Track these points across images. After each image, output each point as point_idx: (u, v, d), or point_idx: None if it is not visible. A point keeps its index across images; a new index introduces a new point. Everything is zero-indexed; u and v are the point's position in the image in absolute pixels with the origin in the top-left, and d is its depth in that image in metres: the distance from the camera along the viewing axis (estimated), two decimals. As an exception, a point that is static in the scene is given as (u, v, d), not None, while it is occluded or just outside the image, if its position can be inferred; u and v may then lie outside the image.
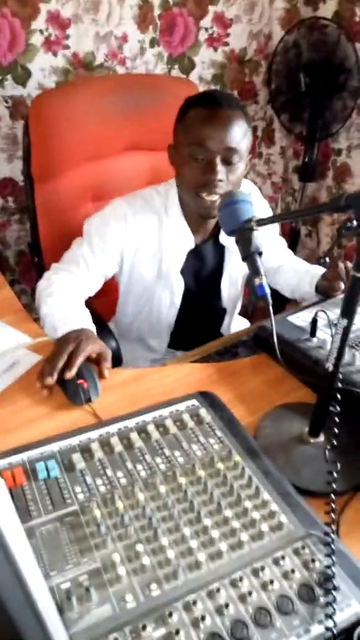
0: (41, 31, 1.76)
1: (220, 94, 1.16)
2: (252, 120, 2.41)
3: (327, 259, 0.66)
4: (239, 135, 1.08)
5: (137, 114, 1.47)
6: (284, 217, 0.77)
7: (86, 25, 1.82)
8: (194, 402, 0.87)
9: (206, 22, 2.05)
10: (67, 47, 1.83)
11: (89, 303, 1.18)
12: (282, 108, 2.20)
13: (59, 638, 0.51)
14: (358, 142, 2.20)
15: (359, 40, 2.00)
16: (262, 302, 0.82)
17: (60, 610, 0.57)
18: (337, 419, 0.73)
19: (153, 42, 1.98)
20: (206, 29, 2.06)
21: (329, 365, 0.72)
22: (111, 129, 1.46)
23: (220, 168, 1.08)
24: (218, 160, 1.08)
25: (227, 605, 0.57)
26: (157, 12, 1.93)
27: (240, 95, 2.29)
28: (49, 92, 1.49)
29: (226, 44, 2.13)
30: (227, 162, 1.09)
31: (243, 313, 1.62)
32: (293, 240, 2.33)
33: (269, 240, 1.38)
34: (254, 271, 0.83)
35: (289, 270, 1.34)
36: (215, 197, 1.10)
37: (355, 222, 0.59)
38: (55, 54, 1.82)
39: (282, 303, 1.44)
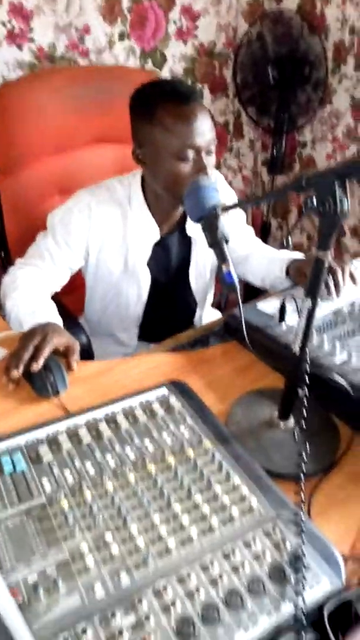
0: (3, 23, 1.73)
1: (183, 86, 1.14)
2: (224, 115, 2.43)
3: (290, 239, 0.66)
4: (211, 123, 1.09)
5: (103, 106, 1.46)
6: (249, 202, 0.77)
7: (48, 16, 1.80)
8: (164, 391, 0.86)
9: (174, 15, 2.04)
10: (32, 40, 1.80)
11: (60, 299, 1.16)
12: (248, 101, 2.21)
13: (20, 634, 0.50)
14: (322, 134, 2.22)
15: (322, 32, 2.02)
16: (233, 294, 0.82)
17: (28, 602, 0.56)
18: (305, 401, 0.73)
19: (123, 36, 1.96)
20: (174, 22, 2.05)
21: (296, 348, 0.72)
22: (77, 120, 1.44)
23: (206, 162, 1.08)
24: (204, 155, 1.08)
25: (197, 590, 0.57)
26: (125, 4, 1.91)
27: (211, 89, 2.29)
28: (12, 82, 1.46)
29: (195, 36, 2.13)
30: (209, 153, 1.09)
31: (216, 305, 1.62)
32: (264, 233, 2.34)
33: (237, 229, 1.38)
34: (221, 258, 0.83)
35: (258, 257, 1.34)
36: None
37: (315, 201, 0.59)
38: (20, 48, 1.79)
39: (253, 297, 1.45)
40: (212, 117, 1.12)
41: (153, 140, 1.08)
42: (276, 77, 2.03)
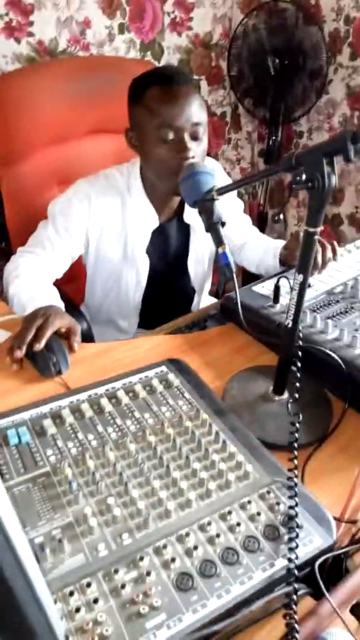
0: (0, 16, 1.75)
1: (172, 70, 1.16)
2: (220, 106, 2.45)
3: (282, 216, 0.69)
4: (200, 108, 1.10)
5: (101, 97, 1.48)
6: (242, 182, 0.79)
7: (49, 11, 1.82)
8: (163, 368, 0.89)
9: (168, 6, 2.06)
10: (31, 34, 1.81)
11: (61, 288, 1.19)
12: (244, 93, 2.22)
13: (37, 581, 0.53)
14: (318, 124, 2.25)
15: (317, 22, 2.03)
16: (230, 278, 0.84)
17: (36, 561, 0.58)
18: (298, 374, 0.76)
19: (122, 29, 1.98)
20: (169, 14, 2.07)
21: (288, 322, 0.75)
22: (75, 111, 1.46)
23: (190, 145, 1.09)
24: (187, 137, 1.09)
25: (196, 548, 0.60)
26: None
27: (208, 80, 2.31)
28: (10, 74, 1.49)
29: (190, 28, 2.15)
30: (195, 138, 1.11)
31: (213, 294, 1.64)
32: (260, 224, 2.36)
33: (234, 217, 1.40)
34: (217, 240, 0.85)
35: (253, 245, 1.37)
36: None
37: (304, 177, 0.62)
38: (18, 41, 1.81)
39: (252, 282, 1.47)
40: (208, 107, 1.14)
41: (139, 122, 1.12)
42: (277, 68, 2.03)
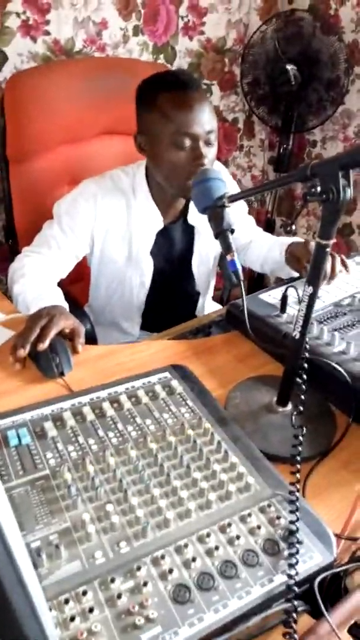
0: (18, 14, 1.75)
1: (184, 75, 1.15)
2: (233, 112, 2.44)
3: (294, 227, 0.68)
4: (212, 114, 1.10)
5: (113, 98, 1.48)
6: (255, 190, 0.79)
7: (66, 10, 1.81)
8: (167, 374, 0.89)
9: (182, 10, 2.06)
10: (47, 33, 1.81)
11: (65, 289, 1.19)
12: (259, 100, 2.22)
13: (34, 588, 0.52)
14: (333, 133, 2.24)
15: (334, 33, 2.03)
16: (236, 287, 0.83)
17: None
18: (303, 387, 0.76)
19: (137, 31, 1.98)
20: (182, 18, 2.07)
21: (296, 333, 0.74)
22: (88, 112, 1.46)
23: (204, 152, 1.09)
24: (202, 145, 1.09)
25: (194, 559, 0.59)
26: (139, -1, 1.93)
27: (220, 86, 2.30)
28: (24, 72, 1.48)
29: (202, 32, 2.15)
30: (208, 143, 1.11)
31: (218, 300, 1.64)
32: (268, 231, 2.35)
33: (239, 218, 1.40)
34: (226, 248, 0.85)
35: (258, 244, 1.37)
36: None
37: (319, 189, 0.61)
38: (34, 40, 1.81)
39: (256, 291, 1.47)
40: (219, 112, 1.14)
41: (152, 127, 1.11)
42: (298, 77, 2.02)
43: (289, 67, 2.01)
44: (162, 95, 1.09)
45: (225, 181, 0.91)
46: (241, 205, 1.43)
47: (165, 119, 1.08)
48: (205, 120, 1.08)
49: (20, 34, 1.77)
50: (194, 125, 1.07)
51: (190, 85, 1.09)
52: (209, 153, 1.11)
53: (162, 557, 0.59)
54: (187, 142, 1.08)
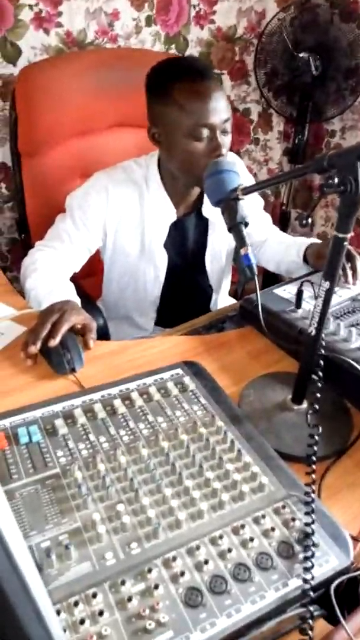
0: (30, 6, 1.73)
1: (198, 64, 1.13)
2: (244, 102, 2.40)
3: (310, 220, 0.66)
4: (226, 101, 1.08)
5: (126, 90, 1.45)
6: (269, 182, 0.76)
7: (78, 1, 1.79)
8: (179, 371, 0.87)
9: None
10: (59, 25, 1.79)
11: (79, 283, 1.18)
12: (276, 91, 2.17)
13: (38, 592, 0.51)
14: (352, 123, 2.19)
15: (354, 19, 1.98)
16: (250, 281, 0.81)
17: (40, 567, 0.57)
18: (319, 384, 0.73)
19: (149, 21, 1.95)
20: (194, 6, 2.04)
21: (312, 330, 0.72)
22: (100, 104, 1.44)
23: (221, 141, 1.07)
24: (219, 134, 1.07)
25: (206, 562, 0.57)
26: (151, -12, 1.90)
27: (230, 75, 2.27)
28: (36, 64, 1.47)
29: (212, 21, 2.11)
30: (224, 132, 1.09)
31: (233, 294, 1.62)
32: (283, 224, 2.32)
33: (254, 215, 1.37)
34: (240, 241, 0.83)
35: (274, 243, 1.34)
36: None
37: (336, 180, 0.59)
38: (47, 32, 1.79)
39: (270, 284, 1.44)
40: (231, 102, 1.11)
41: (167, 118, 1.08)
42: (318, 66, 1.97)
43: (306, 55, 1.96)
44: (177, 86, 1.06)
45: (240, 173, 0.89)
46: (257, 201, 1.41)
47: (182, 111, 1.05)
48: (221, 109, 1.06)
49: (33, 26, 1.76)
50: (212, 116, 1.05)
51: (205, 74, 1.07)
52: (226, 141, 1.10)
53: (174, 559, 0.58)
54: (205, 133, 1.06)
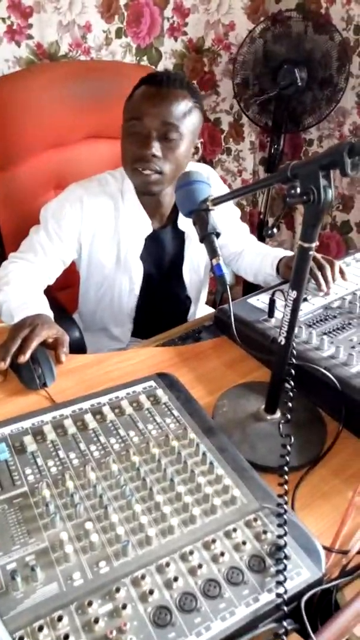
0: (3, 19, 1.73)
1: (166, 74, 1.15)
2: (214, 112, 2.42)
3: (275, 230, 0.66)
4: (179, 112, 1.08)
5: (99, 102, 1.46)
6: (238, 192, 0.76)
7: (49, 14, 1.79)
8: (152, 383, 0.86)
9: (168, 11, 2.05)
10: (30, 37, 1.79)
11: (54, 296, 1.16)
12: (250, 101, 2.19)
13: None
14: (329, 132, 2.23)
15: (328, 31, 2.01)
16: (225, 289, 0.82)
17: (5, 590, 0.55)
18: (291, 393, 0.73)
19: (120, 33, 1.96)
20: (168, 19, 2.06)
21: (281, 339, 0.72)
22: (72, 116, 1.44)
23: (155, 143, 1.08)
24: (154, 135, 1.08)
25: (176, 579, 0.56)
26: (122, 1, 1.91)
27: (200, 85, 2.29)
28: (6, 76, 1.46)
29: (185, 33, 2.13)
30: (165, 138, 1.09)
31: (211, 303, 1.62)
32: (260, 232, 2.34)
33: (231, 225, 1.38)
34: (211, 251, 0.83)
35: (251, 254, 1.34)
36: (149, 172, 1.10)
37: (299, 190, 0.59)
38: (18, 44, 1.79)
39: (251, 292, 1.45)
40: (198, 116, 1.13)
41: (123, 115, 1.14)
42: (304, 78, 2.00)
43: (291, 66, 1.99)
44: (138, 90, 1.12)
45: (213, 184, 0.89)
46: (233, 212, 1.41)
47: (129, 106, 1.12)
48: (164, 113, 1.07)
49: (6, 39, 1.75)
50: (147, 114, 1.07)
51: (164, 82, 1.10)
52: (168, 150, 1.09)
53: (143, 577, 0.56)
54: (139, 129, 1.08)
